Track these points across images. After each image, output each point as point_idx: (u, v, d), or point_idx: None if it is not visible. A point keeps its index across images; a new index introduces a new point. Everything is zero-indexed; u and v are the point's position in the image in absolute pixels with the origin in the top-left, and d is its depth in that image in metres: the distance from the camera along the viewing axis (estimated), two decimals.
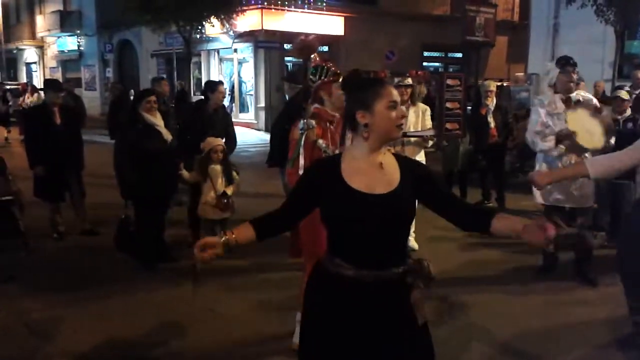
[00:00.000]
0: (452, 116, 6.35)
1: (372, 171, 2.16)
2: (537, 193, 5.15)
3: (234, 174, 5.88)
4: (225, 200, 5.71)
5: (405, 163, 2.26)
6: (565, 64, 4.92)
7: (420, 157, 6.17)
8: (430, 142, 6.26)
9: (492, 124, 7.78)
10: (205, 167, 5.73)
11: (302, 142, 3.66)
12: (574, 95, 4.97)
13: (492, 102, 7.93)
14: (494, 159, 7.95)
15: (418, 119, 6.10)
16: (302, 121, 3.73)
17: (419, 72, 20.10)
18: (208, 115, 6.19)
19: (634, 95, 6.78)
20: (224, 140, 6.23)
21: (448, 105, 6.31)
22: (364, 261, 2.13)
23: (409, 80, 6.12)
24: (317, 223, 3.48)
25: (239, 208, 6.09)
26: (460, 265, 5.72)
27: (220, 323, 4.39)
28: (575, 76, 4.97)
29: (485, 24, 18.05)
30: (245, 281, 5.26)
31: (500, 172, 8.17)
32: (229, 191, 5.75)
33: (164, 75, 17.25)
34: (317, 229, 3.57)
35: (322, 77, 3.79)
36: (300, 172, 3.60)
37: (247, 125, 19.57)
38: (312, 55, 4.03)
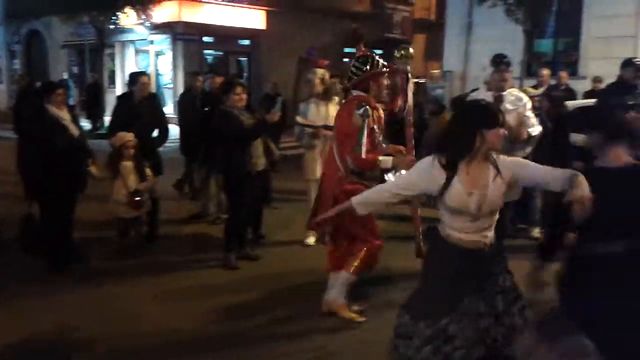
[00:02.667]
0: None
1: None
2: None
3: (147, 170, 5.68)
4: (138, 198, 5.51)
5: None
6: (500, 62, 5.00)
7: None
8: None
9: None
10: (116, 163, 5.50)
11: (366, 128, 3.90)
12: (505, 93, 4.98)
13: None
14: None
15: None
16: (361, 109, 3.89)
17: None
18: (133, 108, 5.95)
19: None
20: (156, 132, 6.10)
21: None
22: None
23: (326, 76, 6.23)
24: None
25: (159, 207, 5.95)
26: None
27: (136, 322, 4.26)
28: (508, 75, 5.03)
29: (402, 22, 18.45)
30: (160, 280, 5.12)
31: None
32: (142, 188, 5.55)
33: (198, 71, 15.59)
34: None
35: (374, 68, 4.05)
36: (364, 155, 3.89)
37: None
38: (360, 45, 4.32)
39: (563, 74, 10.46)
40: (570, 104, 6.79)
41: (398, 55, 4.16)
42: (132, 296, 4.74)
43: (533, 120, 5.07)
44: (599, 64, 11.71)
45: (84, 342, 3.99)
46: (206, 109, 6.96)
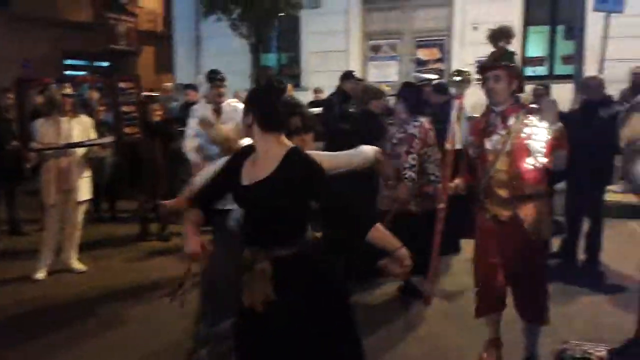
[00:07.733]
0: (130, 120, 6.10)
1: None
2: None
3: None
4: None
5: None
6: (213, 78, 5.33)
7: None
8: (107, 152, 6.34)
9: None
10: None
11: None
12: (224, 104, 5.33)
13: None
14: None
15: (84, 130, 5.86)
16: None
17: (88, 77, 18.64)
18: None
19: None
20: None
21: (125, 109, 6.02)
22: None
23: (69, 90, 5.82)
24: None
25: None
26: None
27: None
28: (222, 90, 5.34)
29: (127, 33, 17.81)
30: None
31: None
32: None
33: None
34: None
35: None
36: None
37: None
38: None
39: (288, 87, 11.18)
40: None
41: (458, 79, 4.13)
42: None
43: None
44: (318, 76, 12.84)
45: None
46: None
